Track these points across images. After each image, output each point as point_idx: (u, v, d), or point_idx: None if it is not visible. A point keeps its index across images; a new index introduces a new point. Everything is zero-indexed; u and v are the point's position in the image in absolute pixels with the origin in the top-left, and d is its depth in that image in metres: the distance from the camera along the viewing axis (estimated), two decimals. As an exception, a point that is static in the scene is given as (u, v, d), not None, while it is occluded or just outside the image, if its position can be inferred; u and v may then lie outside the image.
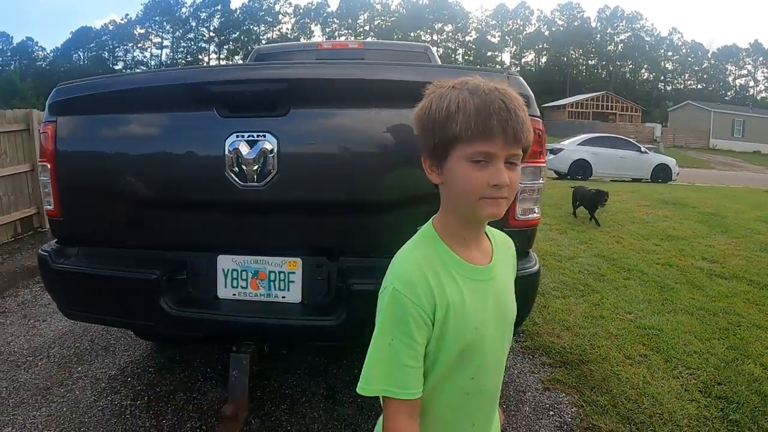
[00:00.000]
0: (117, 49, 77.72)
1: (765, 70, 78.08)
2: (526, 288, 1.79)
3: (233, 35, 79.97)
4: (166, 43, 79.14)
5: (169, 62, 77.44)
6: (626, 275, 4.76)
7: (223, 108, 1.75)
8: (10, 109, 6.26)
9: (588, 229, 6.81)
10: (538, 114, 1.80)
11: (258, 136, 1.72)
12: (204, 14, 79.98)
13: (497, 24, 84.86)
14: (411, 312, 0.85)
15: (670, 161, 16.14)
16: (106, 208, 1.93)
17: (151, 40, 78.69)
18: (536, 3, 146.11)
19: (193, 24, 79.82)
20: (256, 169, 1.72)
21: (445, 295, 0.87)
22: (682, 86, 77.45)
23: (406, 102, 1.68)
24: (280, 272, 1.86)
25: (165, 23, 78.64)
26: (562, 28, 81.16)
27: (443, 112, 0.84)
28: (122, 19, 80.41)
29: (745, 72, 79.21)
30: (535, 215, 1.85)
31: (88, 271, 1.94)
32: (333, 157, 1.78)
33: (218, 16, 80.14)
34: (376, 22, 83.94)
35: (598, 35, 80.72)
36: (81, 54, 77.08)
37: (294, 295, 1.86)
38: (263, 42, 79.42)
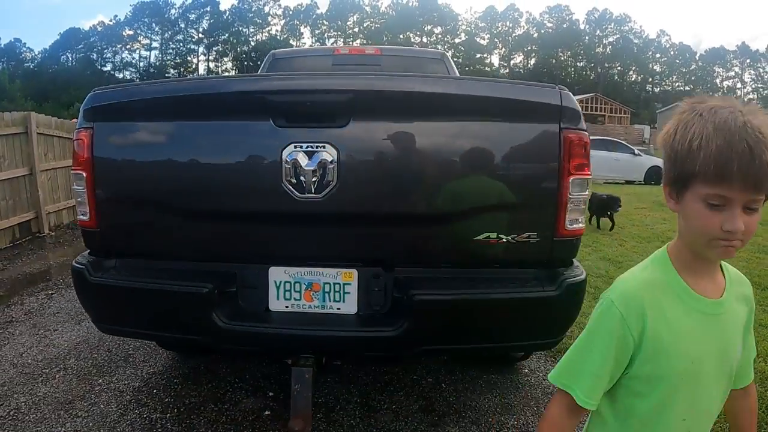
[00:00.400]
0: (105, 51, 77.08)
1: (752, 71, 79.43)
2: (579, 293, 1.90)
3: (222, 37, 79.61)
4: (154, 44, 78.70)
5: (158, 64, 76.91)
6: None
7: (280, 118, 1.73)
8: (8, 112, 6.15)
9: (590, 232, 6.86)
10: (585, 127, 1.82)
11: (317, 146, 1.70)
12: (193, 15, 79.59)
13: (486, 26, 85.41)
14: (617, 327, 0.88)
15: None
16: (149, 219, 1.88)
17: (139, 41, 78.16)
18: (525, 5, 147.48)
19: (182, 25, 79.39)
20: (315, 180, 1.71)
21: (660, 321, 0.88)
22: (669, 88, 78.45)
23: (464, 115, 1.78)
24: (335, 283, 1.85)
25: (154, 24, 78.09)
26: (551, 31, 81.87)
27: (685, 145, 0.82)
28: (111, 21, 79.86)
29: (732, 74, 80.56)
30: (580, 225, 1.86)
31: (133, 285, 1.88)
32: (392, 169, 1.77)
33: (207, 18, 79.76)
34: (365, 24, 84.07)
35: (587, 37, 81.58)
36: (69, 55, 76.26)
37: (349, 306, 1.85)
38: (252, 44, 79.18)
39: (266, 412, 2.38)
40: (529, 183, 1.80)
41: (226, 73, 74.72)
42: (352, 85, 1.78)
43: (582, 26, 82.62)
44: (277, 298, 1.86)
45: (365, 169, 1.76)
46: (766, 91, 78.47)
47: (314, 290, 1.85)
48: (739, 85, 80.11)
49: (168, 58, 78.55)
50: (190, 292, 1.79)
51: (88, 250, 2.04)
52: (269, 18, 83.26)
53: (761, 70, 79.34)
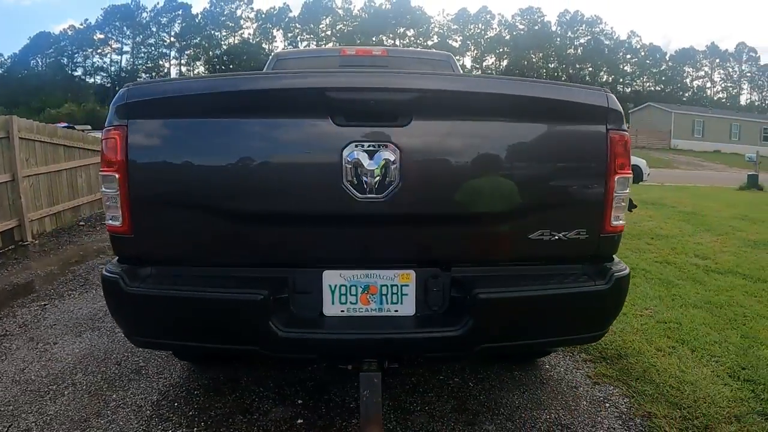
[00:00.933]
0: (76, 55, 74.97)
1: (721, 71, 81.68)
2: (626, 286, 1.95)
3: (194, 40, 78.34)
4: (126, 48, 76.91)
5: (129, 68, 75.28)
6: (632, 273, 4.90)
7: (340, 116, 1.67)
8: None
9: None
10: (626, 128, 1.89)
11: (379, 146, 1.67)
12: (165, 19, 78.09)
13: (459, 28, 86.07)
14: None
15: (641, 162, 16.67)
16: (193, 224, 1.78)
17: (110, 45, 76.26)
18: (497, 7, 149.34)
19: (154, 29, 77.85)
20: (377, 180, 1.67)
21: None
22: (641, 88, 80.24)
23: (521, 116, 1.78)
24: (392, 285, 1.81)
25: (125, 28, 76.37)
26: (522, 32, 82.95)
27: None
28: (81, 24, 77.52)
29: (702, 73, 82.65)
30: (622, 222, 1.92)
31: (181, 294, 1.77)
32: (451, 169, 1.77)
33: (179, 21, 78.42)
34: (338, 27, 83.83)
35: (559, 39, 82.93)
36: (39, 60, 74.02)
37: (407, 308, 1.82)
38: (224, 47, 78.21)
39: (299, 421, 2.32)
40: (580, 182, 1.86)
41: (201, 77, 73.46)
42: (416, 84, 1.76)
43: (554, 28, 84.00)
44: (332, 303, 1.81)
45: (426, 169, 1.73)
46: (735, 90, 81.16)
47: (371, 293, 1.81)
48: (708, 84, 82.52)
49: (139, 62, 76.92)
50: (245, 300, 1.70)
51: (117, 258, 1.92)
52: (242, 21, 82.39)
53: (730, 70, 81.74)
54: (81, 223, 7.61)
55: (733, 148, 39.99)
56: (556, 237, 1.82)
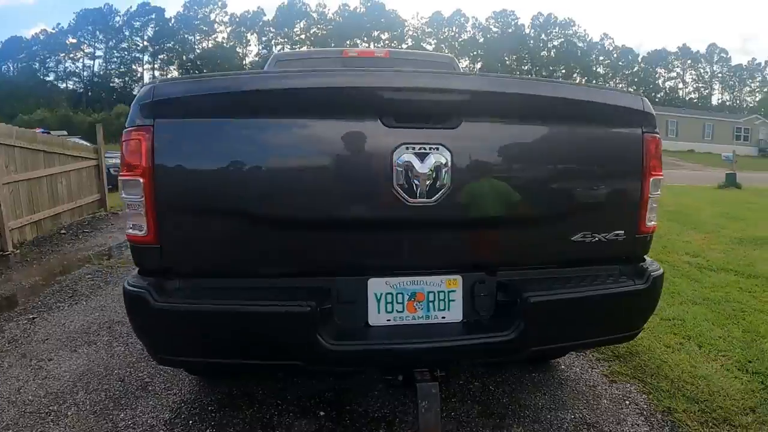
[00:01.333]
0: (48, 60, 72.76)
1: (693, 72, 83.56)
2: (661, 285, 1.98)
3: (168, 45, 77.03)
4: (98, 53, 74.97)
5: (102, 73, 73.56)
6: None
7: (389, 117, 1.61)
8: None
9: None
10: (658, 131, 1.92)
11: (430, 148, 1.61)
12: (138, 23, 76.53)
13: (433, 31, 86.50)
14: None
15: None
16: (227, 232, 1.66)
17: (83, 50, 74.37)
18: (471, 10, 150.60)
19: (127, 33, 76.14)
20: (429, 184, 1.61)
21: None
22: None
23: (565, 119, 1.78)
24: (439, 291, 1.76)
25: (98, 32, 74.45)
26: (496, 35, 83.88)
27: None
28: (53, 29, 75.37)
29: (674, 74, 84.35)
30: (655, 223, 1.97)
31: (220, 309, 1.64)
32: (500, 172, 1.76)
33: (152, 25, 76.89)
34: (312, 31, 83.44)
35: (532, 41, 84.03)
36: (11, 65, 71.69)
37: (455, 314, 1.78)
38: (198, 51, 77.15)
39: (325, 434, 2.23)
40: (618, 184, 1.89)
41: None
42: (467, 85, 1.75)
43: (527, 31, 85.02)
44: (378, 312, 1.73)
45: (475, 172, 1.71)
46: (706, 91, 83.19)
47: (418, 300, 1.75)
48: (680, 85, 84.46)
49: (112, 66, 75.03)
50: (292, 312, 1.60)
51: (139, 270, 1.78)
52: (215, 25, 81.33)
53: (701, 71, 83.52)
54: (62, 231, 7.35)
55: (707, 148, 41.20)
56: (597, 238, 1.84)
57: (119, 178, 1.72)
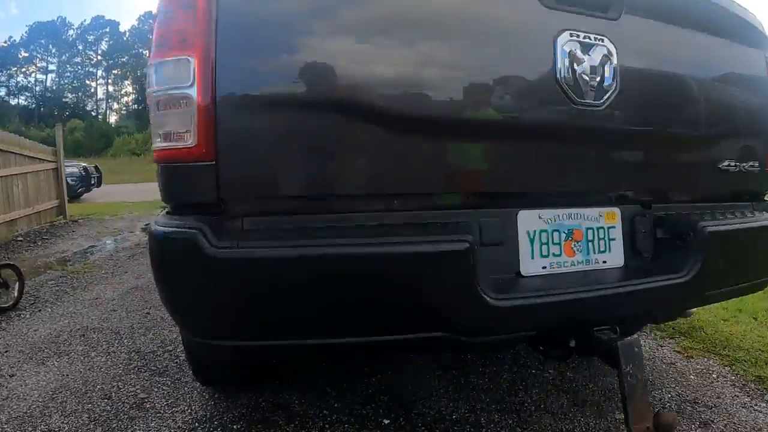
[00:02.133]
0: (0, 74, 69.73)
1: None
2: None
3: (122, 59, 74.96)
4: (51, 67, 72.28)
5: (54, 87, 70.91)
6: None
7: None
8: None
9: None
10: None
11: (596, 38, 1.30)
12: (92, 37, 74.24)
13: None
14: None
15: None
16: (326, 138, 1.12)
17: (35, 64, 71.53)
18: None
19: (81, 47, 73.79)
20: (596, 83, 1.27)
21: None
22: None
23: (724, 33, 1.55)
24: (598, 228, 1.36)
25: (51, 46, 71.86)
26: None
27: None
28: (5, 42, 72.24)
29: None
30: None
31: (325, 253, 1.06)
32: (668, 81, 1.47)
33: (107, 39, 74.84)
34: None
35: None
36: (-38, 79, 68.22)
37: (616, 257, 1.40)
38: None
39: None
40: (760, 110, 1.67)
41: (126, 97, 70.93)
42: None
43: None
44: (532, 257, 1.29)
45: (642, 76, 1.40)
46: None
47: (575, 240, 1.34)
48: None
49: (66, 81, 72.37)
50: (443, 252, 1.09)
51: (173, 205, 1.19)
52: (173, 38, 79.65)
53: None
54: (19, 238, 6.60)
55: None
56: (738, 168, 1.61)
57: (153, 61, 1.19)
